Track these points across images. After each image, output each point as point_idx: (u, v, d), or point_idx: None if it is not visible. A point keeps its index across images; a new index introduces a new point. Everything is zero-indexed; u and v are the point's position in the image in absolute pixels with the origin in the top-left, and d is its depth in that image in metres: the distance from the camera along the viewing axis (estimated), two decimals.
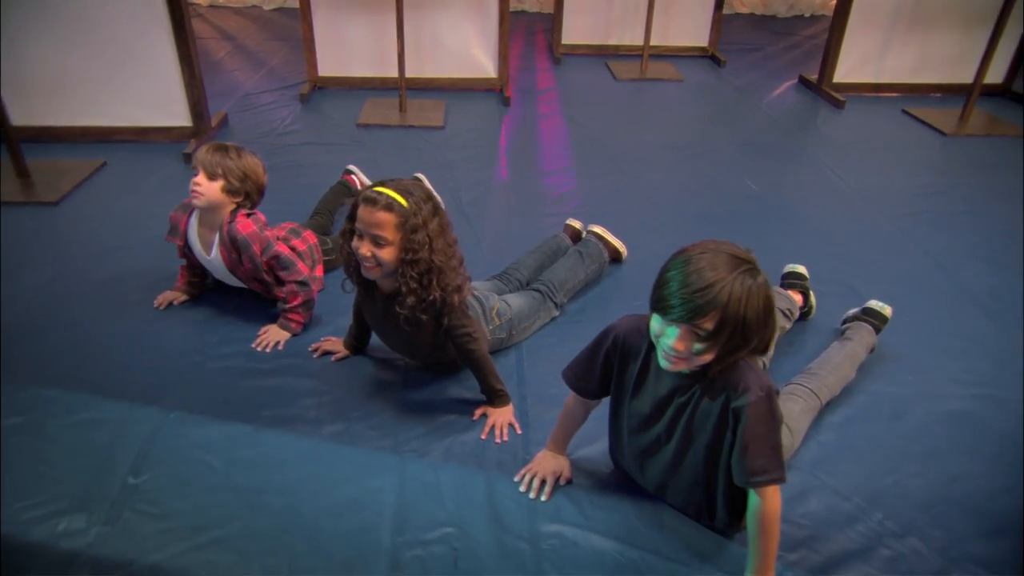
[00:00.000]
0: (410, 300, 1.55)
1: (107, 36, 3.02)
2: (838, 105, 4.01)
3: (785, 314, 1.95)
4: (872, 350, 1.90)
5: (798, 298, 2.03)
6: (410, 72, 3.84)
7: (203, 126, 3.26)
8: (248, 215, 1.91)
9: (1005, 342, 2.05)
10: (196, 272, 2.11)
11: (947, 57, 4.08)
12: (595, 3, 4.79)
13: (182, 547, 1.36)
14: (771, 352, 1.66)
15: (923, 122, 3.78)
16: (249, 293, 2.09)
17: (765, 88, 4.35)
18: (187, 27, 3.06)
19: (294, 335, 1.97)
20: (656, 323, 1.17)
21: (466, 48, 4.01)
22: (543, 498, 1.49)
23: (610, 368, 1.36)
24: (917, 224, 2.72)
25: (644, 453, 1.40)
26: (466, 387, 1.80)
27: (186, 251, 2.05)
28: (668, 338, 1.15)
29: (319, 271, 2.12)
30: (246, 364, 1.87)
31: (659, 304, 1.14)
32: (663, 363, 1.20)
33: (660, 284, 1.16)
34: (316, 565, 1.34)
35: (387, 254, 1.51)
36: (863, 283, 2.29)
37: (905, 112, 3.92)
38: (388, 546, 1.38)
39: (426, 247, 1.50)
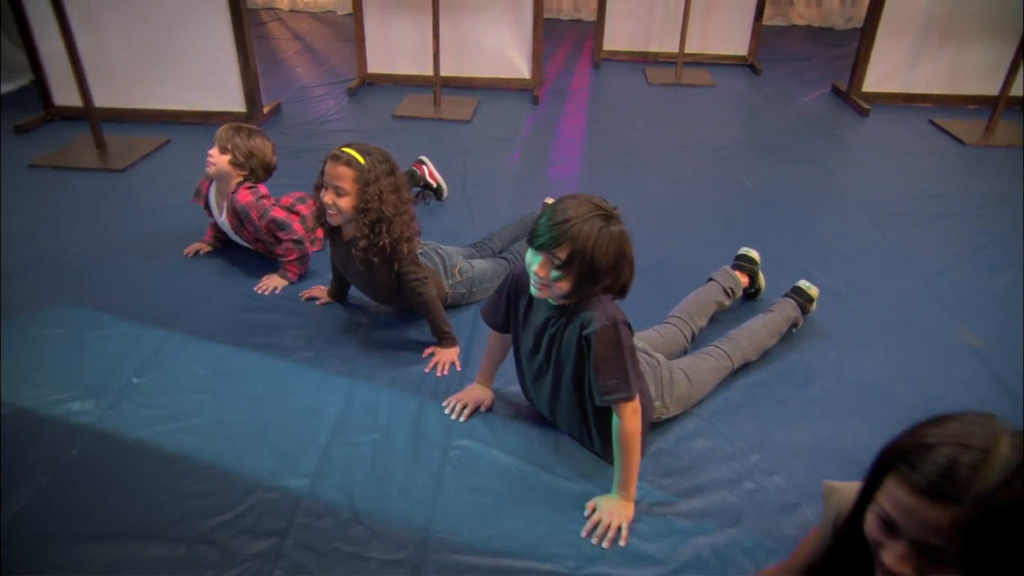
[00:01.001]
0: (362, 243, 1.83)
1: (175, 31, 3.48)
2: (863, 113, 4.06)
3: (726, 291, 2.12)
4: (795, 325, 2.05)
5: (744, 279, 2.19)
6: (449, 71, 4.18)
7: (256, 112, 3.68)
8: (249, 188, 2.25)
9: (949, 335, 2.14)
10: (219, 229, 2.48)
11: (981, 69, 4.05)
12: (637, 11, 4.98)
13: (162, 429, 1.69)
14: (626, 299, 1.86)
15: (947, 132, 3.79)
16: (256, 263, 2.44)
17: (795, 96, 4.43)
18: (244, 24, 3.48)
19: (289, 283, 2.29)
20: (528, 254, 1.41)
21: (502, 50, 4.30)
22: (461, 419, 1.74)
23: (510, 303, 1.60)
24: (899, 224, 2.80)
25: (534, 381, 1.63)
26: (423, 332, 2.06)
27: (207, 211, 2.42)
28: (532, 264, 1.38)
29: (320, 232, 2.44)
30: (246, 302, 2.21)
31: (529, 236, 1.38)
32: (533, 290, 1.43)
33: (535, 221, 1.39)
34: (262, 451, 1.64)
35: (345, 203, 1.80)
36: (824, 271, 2.42)
37: (931, 122, 3.94)
38: (323, 443, 1.67)
39: (376, 199, 1.79)
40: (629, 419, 1.43)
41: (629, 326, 1.44)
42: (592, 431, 1.58)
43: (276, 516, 1.48)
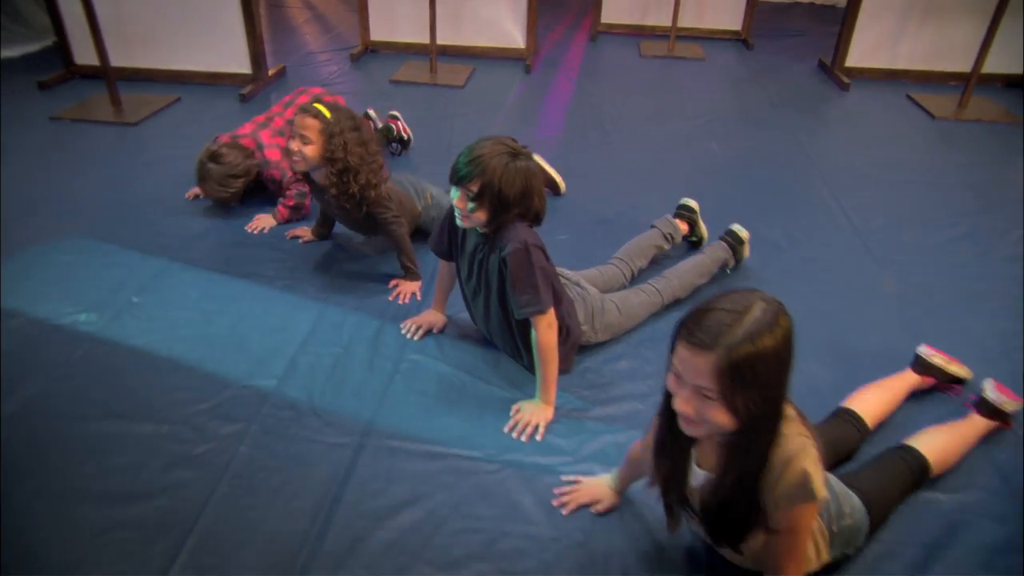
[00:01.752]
0: (332, 191, 2.06)
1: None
2: (844, 87, 4.19)
3: (665, 237, 2.33)
4: (726, 266, 2.26)
5: (684, 227, 2.40)
6: (447, 39, 4.38)
7: (261, 74, 3.92)
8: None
9: (871, 285, 2.33)
10: None
11: (961, 46, 4.14)
12: None
13: (155, 338, 1.95)
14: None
15: (921, 107, 3.92)
16: (257, 201, 2.68)
17: (782, 70, 4.57)
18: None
19: (277, 224, 2.54)
20: (452, 190, 1.63)
21: (498, 21, 4.49)
22: (415, 339, 1.98)
23: (451, 234, 1.83)
24: (851, 187, 2.97)
25: (472, 302, 1.87)
26: (391, 265, 2.30)
27: None
28: (453, 198, 1.61)
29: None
30: (236, 239, 2.46)
31: (449, 173, 1.61)
32: (457, 221, 1.66)
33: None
34: (239, 358, 1.89)
35: (309, 151, 2.02)
36: (768, 224, 2.62)
37: (908, 97, 4.07)
38: (292, 353, 1.92)
39: (342, 149, 2.00)
40: (544, 332, 1.66)
41: (542, 249, 1.66)
42: (519, 346, 1.81)
43: (245, 407, 1.73)
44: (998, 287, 2.31)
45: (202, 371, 1.84)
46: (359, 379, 1.84)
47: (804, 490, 1.02)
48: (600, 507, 1.49)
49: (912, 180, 3.08)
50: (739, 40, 5.15)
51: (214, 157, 2.48)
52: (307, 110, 2.02)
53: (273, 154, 2.55)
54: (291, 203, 2.54)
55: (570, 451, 1.65)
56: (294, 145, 2.04)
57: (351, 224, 2.31)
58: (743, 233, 2.29)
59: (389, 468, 1.58)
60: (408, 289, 2.18)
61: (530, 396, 1.78)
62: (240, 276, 2.25)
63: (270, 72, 4.04)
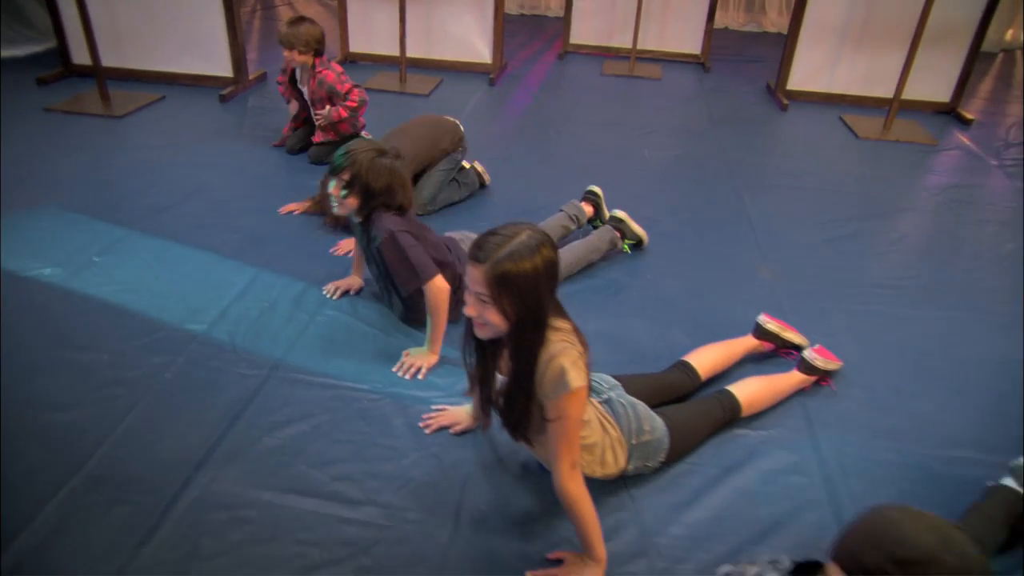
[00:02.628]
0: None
1: (178, 4, 4.08)
2: (783, 108, 4.51)
3: (571, 217, 2.63)
4: (614, 245, 2.56)
5: (589, 209, 2.70)
6: (419, 53, 4.73)
7: (242, 77, 4.27)
8: (326, 66, 3.18)
9: (752, 272, 2.62)
10: (301, 109, 3.37)
11: (893, 73, 4.46)
12: (600, 8, 5.48)
13: (108, 290, 2.27)
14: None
15: (849, 127, 4.23)
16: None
17: (731, 91, 4.89)
18: (235, 2, 4.06)
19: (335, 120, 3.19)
20: (329, 181, 1.95)
21: (467, 37, 4.83)
22: (334, 299, 2.28)
23: None
24: (760, 193, 3.27)
25: (376, 282, 2.18)
26: (330, 241, 2.61)
27: (293, 95, 3.33)
28: (330, 187, 1.93)
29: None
30: (195, 214, 2.78)
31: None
32: (333, 208, 1.98)
33: None
34: (178, 307, 2.20)
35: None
36: (673, 219, 2.92)
37: (840, 119, 4.38)
38: (224, 305, 2.22)
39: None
40: (434, 295, 1.94)
41: (410, 232, 1.96)
42: (408, 316, 2.13)
43: (176, 344, 2.03)
44: (860, 277, 2.60)
45: (144, 316, 2.15)
46: (278, 328, 2.14)
47: (563, 382, 1.31)
48: (457, 428, 1.77)
49: (819, 189, 3.38)
50: (698, 63, 5.49)
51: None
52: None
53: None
54: (344, 114, 3.17)
55: (444, 388, 1.94)
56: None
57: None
58: (619, 213, 2.60)
59: (287, 394, 1.88)
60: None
61: (422, 345, 2.07)
62: (192, 245, 2.56)
63: (251, 77, 4.39)
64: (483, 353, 1.45)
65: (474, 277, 1.29)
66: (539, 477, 1.65)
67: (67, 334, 2.05)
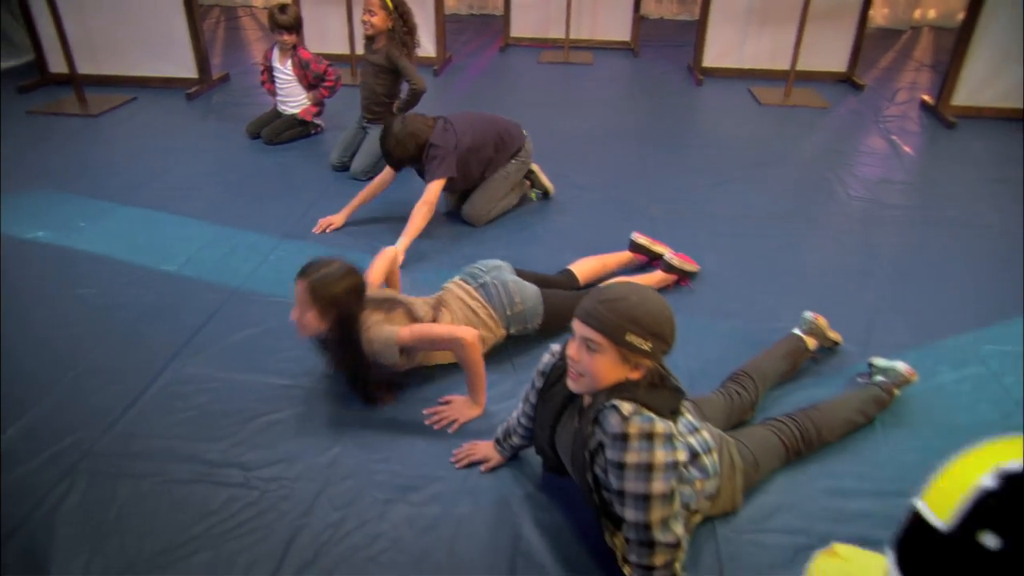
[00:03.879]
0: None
1: (143, 14, 4.52)
2: (699, 83, 5.02)
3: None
4: (524, 194, 3.03)
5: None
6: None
7: (206, 78, 4.71)
8: (303, 49, 3.71)
9: (640, 207, 3.10)
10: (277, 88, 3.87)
11: (793, 48, 4.98)
12: (537, 3, 5.97)
13: (91, 246, 2.70)
14: None
15: (754, 96, 4.74)
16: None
17: (655, 71, 5.39)
18: (195, 11, 4.51)
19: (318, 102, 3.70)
20: None
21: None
22: (315, 232, 2.73)
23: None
24: (658, 147, 3.76)
25: None
26: (302, 201, 3.06)
27: (269, 80, 3.88)
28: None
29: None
30: (171, 189, 3.22)
31: None
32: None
33: None
34: (154, 255, 2.64)
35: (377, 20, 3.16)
36: (576, 172, 3.40)
37: (749, 90, 4.88)
38: (193, 251, 2.66)
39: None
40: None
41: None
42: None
43: (153, 279, 2.49)
44: (730, 210, 3.09)
45: (125, 262, 2.60)
46: (237, 265, 2.59)
47: (387, 345, 1.80)
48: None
49: (718, 147, 3.87)
50: (628, 49, 5.99)
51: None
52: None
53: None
54: (325, 94, 3.73)
55: None
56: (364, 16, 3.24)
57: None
58: (533, 165, 3.07)
59: (244, 309, 2.33)
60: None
61: None
62: (164, 211, 3.00)
63: (215, 77, 4.83)
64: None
65: (298, 293, 1.77)
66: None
67: (62, 276, 2.49)
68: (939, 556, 0.66)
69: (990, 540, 0.63)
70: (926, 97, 4.59)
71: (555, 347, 1.56)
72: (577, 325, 1.34)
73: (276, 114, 3.88)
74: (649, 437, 1.25)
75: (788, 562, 1.49)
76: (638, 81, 5.13)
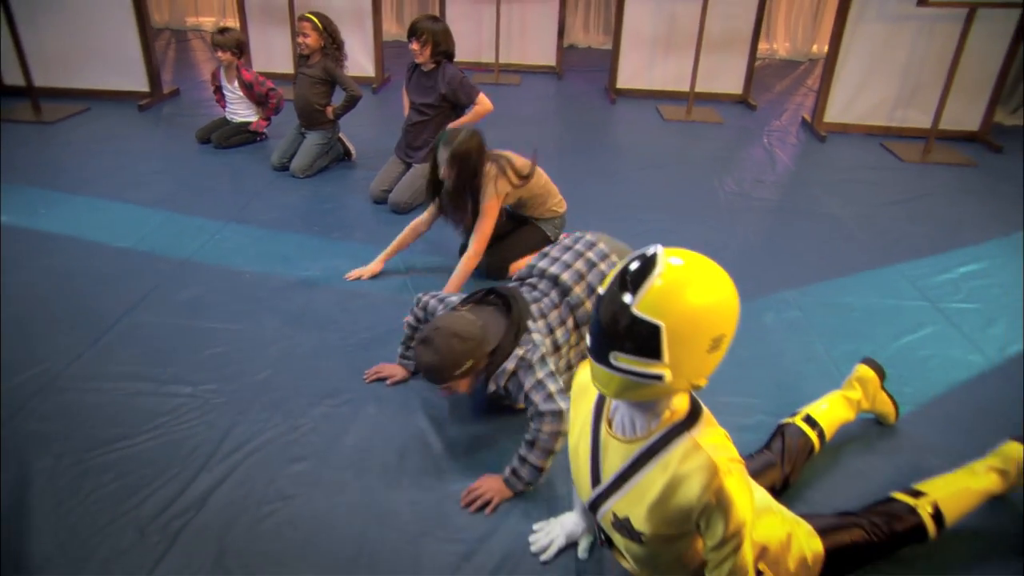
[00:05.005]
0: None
1: (99, 31, 4.87)
2: (612, 102, 5.59)
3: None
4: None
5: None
6: None
7: (157, 91, 5.07)
8: (246, 69, 3.99)
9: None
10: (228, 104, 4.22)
11: (699, 72, 5.60)
12: (470, 31, 6.49)
13: (48, 225, 3.03)
14: None
15: (659, 113, 5.32)
16: None
17: (576, 93, 5.95)
18: (147, 27, 4.89)
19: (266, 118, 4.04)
20: None
21: (352, 55, 5.73)
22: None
23: None
24: (562, 153, 4.27)
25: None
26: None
27: (220, 97, 4.22)
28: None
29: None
30: (126, 184, 3.57)
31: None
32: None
33: None
34: (110, 232, 2.99)
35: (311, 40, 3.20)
36: None
37: (656, 109, 5.47)
38: (145, 232, 3.02)
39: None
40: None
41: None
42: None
43: (110, 254, 2.84)
44: (622, 201, 3.59)
45: (83, 239, 2.95)
46: (186, 242, 2.96)
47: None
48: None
49: (621, 153, 4.40)
50: (553, 73, 6.56)
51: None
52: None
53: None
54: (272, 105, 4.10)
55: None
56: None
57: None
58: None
59: (192, 276, 2.71)
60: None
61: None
62: (123, 201, 3.35)
63: (166, 91, 5.19)
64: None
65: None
66: None
67: (27, 250, 2.82)
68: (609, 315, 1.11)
69: (627, 297, 1.09)
70: (806, 116, 5.25)
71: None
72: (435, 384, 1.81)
73: (225, 121, 4.27)
74: (529, 367, 1.79)
75: None
76: (560, 100, 5.68)
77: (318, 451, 1.87)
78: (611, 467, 1.27)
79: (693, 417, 1.21)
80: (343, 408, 2.03)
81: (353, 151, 4.06)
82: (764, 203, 3.68)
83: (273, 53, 5.74)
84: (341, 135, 4.01)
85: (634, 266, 1.14)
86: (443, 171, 2.57)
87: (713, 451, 1.16)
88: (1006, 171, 4.28)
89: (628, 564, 1.40)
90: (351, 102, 3.84)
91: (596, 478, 1.30)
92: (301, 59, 3.86)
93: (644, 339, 1.08)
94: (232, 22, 7.36)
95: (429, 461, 1.87)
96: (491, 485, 1.76)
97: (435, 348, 1.72)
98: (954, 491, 1.61)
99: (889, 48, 4.72)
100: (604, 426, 1.29)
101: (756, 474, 1.65)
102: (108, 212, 3.23)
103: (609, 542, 1.41)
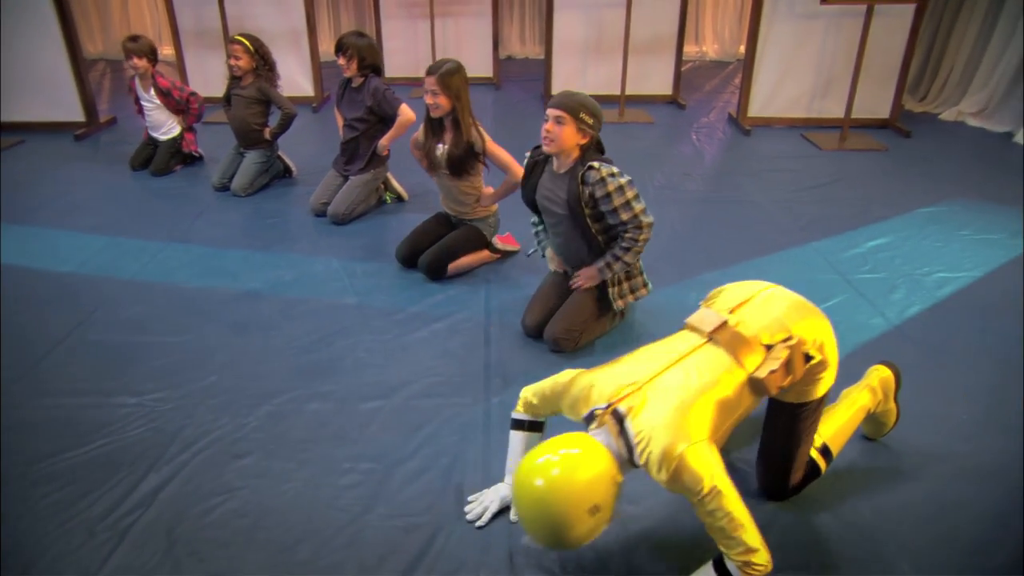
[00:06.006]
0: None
1: (30, 64, 4.87)
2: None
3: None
4: (380, 197, 3.59)
5: None
6: None
7: (93, 121, 5.07)
8: (161, 76, 4.01)
9: None
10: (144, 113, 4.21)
11: (630, 75, 5.82)
12: (407, 47, 6.65)
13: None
14: None
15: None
16: None
17: (513, 100, 6.13)
18: (80, 60, 4.90)
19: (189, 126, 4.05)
20: None
21: (291, 76, 5.83)
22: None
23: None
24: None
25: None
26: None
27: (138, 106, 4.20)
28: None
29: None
30: (54, 200, 3.59)
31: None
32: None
33: None
34: (56, 252, 3.02)
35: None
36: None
37: None
38: (86, 256, 3.06)
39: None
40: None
41: None
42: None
43: (52, 279, 2.87)
44: None
45: (24, 267, 2.97)
46: (127, 262, 3.01)
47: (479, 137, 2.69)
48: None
49: None
50: (491, 83, 6.73)
51: None
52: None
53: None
54: (195, 109, 4.16)
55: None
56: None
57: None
58: (388, 173, 3.63)
59: (135, 295, 2.76)
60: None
61: None
62: (64, 229, 3.38)
63: (103, 120, 5.20)
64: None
65: (429, 82, 2.26)
66: None
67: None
68: None
69: None
70: (732, 112, 5.51)
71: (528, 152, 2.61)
72: (550, 110, 2.33)
73: (152, 143, 4.27)
74: (612, 174, 2.30)
75: None
76: (498, 108, 5.84)
77: (263, 446, 1.95)
78: None
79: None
80: (287, 406, 2.11)
81: (294, 168, 4.14)
82: (691, 194, 3.88)
83: (210, 77, 5.77)
84: (281, 153, 4.09)
85: None
86: (435, 99, 2.90)
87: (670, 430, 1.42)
88: (914, 153, 4.57)
89: None
90: (286, 120, 3.92)
91: None
92: (233, 80, 3.93)
93: None
94: (168, 49, 7.37)
95: (370, 446, 1.97)
96: (587, 273, 2.45)
97: (580, 92, 2.45)
98: (836, 428, 1.85)
99: (801, 45, 5.00)
100: None
101: None
102: (48, 239, 3.25)
103: None
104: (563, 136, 2.30)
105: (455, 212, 3.08)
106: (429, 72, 2.84)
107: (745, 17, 7.63)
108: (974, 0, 5.32)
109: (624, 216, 2.31)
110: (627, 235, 2.35)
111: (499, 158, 2.97)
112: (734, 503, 1.37)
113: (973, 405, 2.16)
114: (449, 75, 2.84)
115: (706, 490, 1.35)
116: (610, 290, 2.47)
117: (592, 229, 2.38)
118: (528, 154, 2.58)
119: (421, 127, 3.08)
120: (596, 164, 2.30)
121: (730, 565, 1.41)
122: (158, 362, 2.33)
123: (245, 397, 2.15)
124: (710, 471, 1.36)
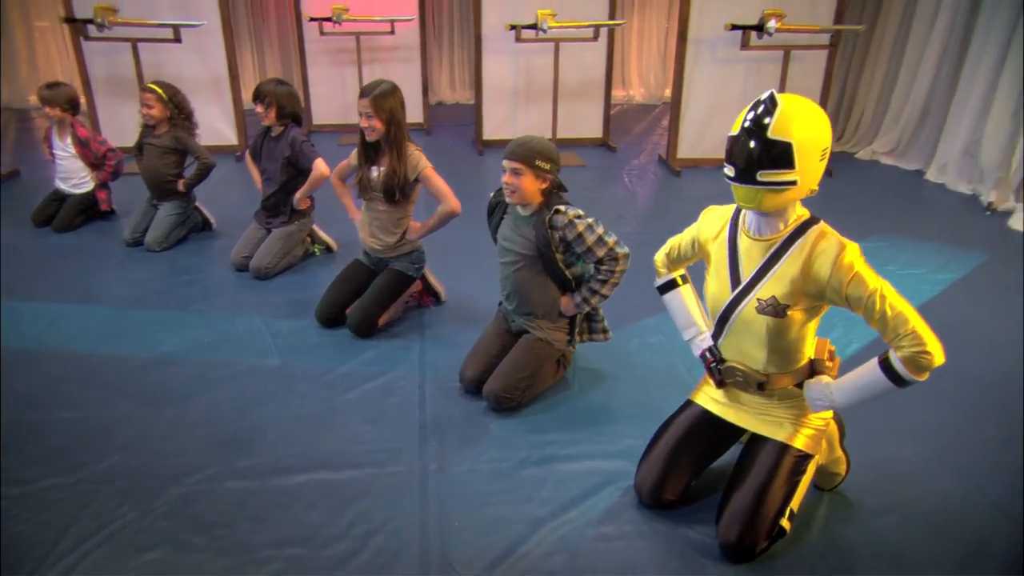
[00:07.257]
0: None
1: None
2: (480, 153, 5.73)
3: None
4: (306, 248, 3.42)
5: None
6: None
7: None
8: (82, 126, 3.71)
9: None
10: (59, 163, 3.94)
11: (560, 119, 5.86)
12: (334, 94, 6.54)
13: None
14: None
15: None
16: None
17: (445, 146, 6.07)
18: None
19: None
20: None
21: (214, 124, 5.62)
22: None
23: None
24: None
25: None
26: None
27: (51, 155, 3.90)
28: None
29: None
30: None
31: None
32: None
33: None
34: None
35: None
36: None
37: None
38: (40, 328, 2.77)
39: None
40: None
41: None
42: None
43: None
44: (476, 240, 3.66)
45: None
46: (25, 328, 2.73)
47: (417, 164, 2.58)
48: None
49: (481, 197, 4.48)
50: (422, 129, 6.66)
51: None
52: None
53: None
54: (111, 166, 3.89)
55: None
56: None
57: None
58: (314, 225, 3.48)
59: (32, 367, 2.48)
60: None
61: None
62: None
63: (5, 172, 4.85)
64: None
65: (362, 104, 2.07)
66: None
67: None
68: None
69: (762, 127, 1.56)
70: (662, 154, 5.59)
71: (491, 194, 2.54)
72: (505, 162, 2.25)
73: (58, 197, 3.97)
74: (578, 216, 2.28)
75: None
76: (429, 154, 5.64)
77: (172, 536, 1.74)
78: (751, 266, 1.69)
79: (815, 219, 1.66)
80: (200, 486, 1.90)
81: (213, 220, 3.92)
82: (626, 237, 3.73)
83: (125, 127, 5.47)
84: (198, 204, 3.87)
85: (760, 108, 1.54)
86: (370, 122, 2.71)
87: (839, 236, 1.61)
88: (835, 191, 4.71)
89: (744, 368, 1.79)
90: (203, 171, 3.72)
91: (736, 281, 1.72)
92: (147, 129, 3.70)
93: (780, 155, 1.51)
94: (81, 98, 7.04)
95: (295, 528, 1.78)
96: (565, 303, 2.41)
97: (533, 137, 2.29)
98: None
99: (725, 88, 5.14)
100: (742, 236, 1.72)
101: None
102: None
103: (721, 361, 1.84)
104: (523, 186, 2.25)
105: (378, 246, 2.88)
106: (363, 94, 2.68)
107: (669, 62, 7.86)
108: (880, 43, 5.61)
109: (600, 252, 2.30)
110: (603, 267, 2.33)
111: (435, 186, 2.84)
112: (898, 297, 1.56)
113: (921, 445, 2.13)
114: (383, 97, 2.67)
115: (873, 285, 1.55)
116: (576, 329, 2.47)
117: (566, 273, 2.36)
118: (492, 195, 2.53)
119: (353, 152, 2.89)
120: (562, 208, 2.28)
121: (896, 363, 1.60)
122: (51, 442, 2.07)
123: (152, 479, 1.93)
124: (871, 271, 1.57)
